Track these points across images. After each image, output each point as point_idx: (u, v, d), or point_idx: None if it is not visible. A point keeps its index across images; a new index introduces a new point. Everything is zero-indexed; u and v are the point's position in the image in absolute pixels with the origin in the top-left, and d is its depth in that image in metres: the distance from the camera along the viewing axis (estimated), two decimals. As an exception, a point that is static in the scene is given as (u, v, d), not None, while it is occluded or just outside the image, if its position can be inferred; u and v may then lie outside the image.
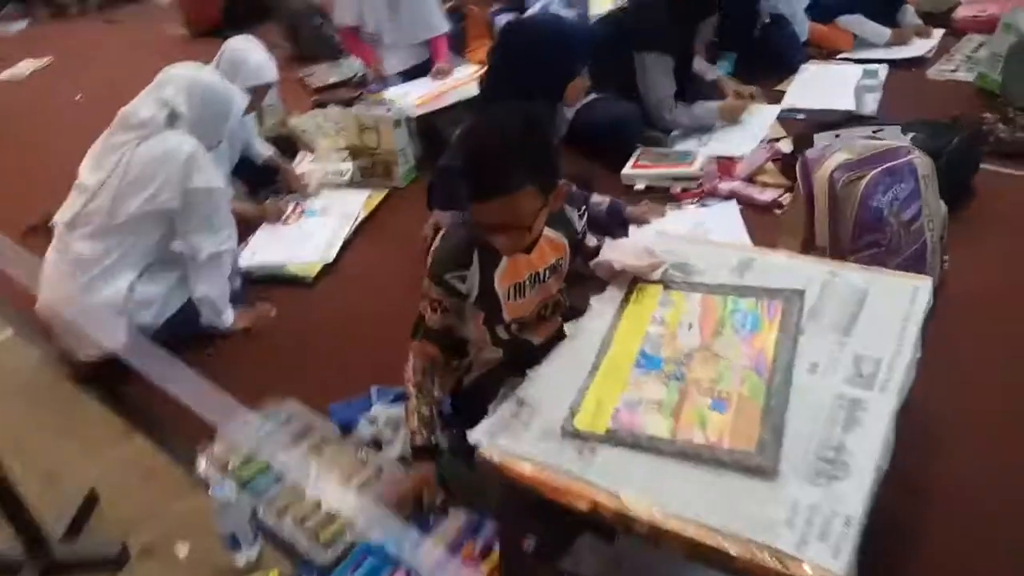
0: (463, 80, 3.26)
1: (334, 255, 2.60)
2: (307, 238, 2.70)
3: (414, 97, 3.16)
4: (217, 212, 2.12)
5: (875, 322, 1.32)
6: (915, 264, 1.83)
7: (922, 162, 1.81)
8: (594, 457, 1.14)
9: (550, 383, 1.30)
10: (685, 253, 1.57)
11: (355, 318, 2.29)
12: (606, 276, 1.56)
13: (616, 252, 1.52)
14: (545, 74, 2.10)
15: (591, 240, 1.69)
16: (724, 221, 2.38)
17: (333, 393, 1.91)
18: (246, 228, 2.64)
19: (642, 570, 1.37)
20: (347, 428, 1.78)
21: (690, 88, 3.03)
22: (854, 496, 1.02)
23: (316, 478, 1.63)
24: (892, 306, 1.36)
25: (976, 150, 2.35)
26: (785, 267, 1.50)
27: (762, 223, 2.39)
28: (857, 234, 1.78)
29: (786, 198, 2.53)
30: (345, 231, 2.72)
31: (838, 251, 1.82)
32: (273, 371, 2.09)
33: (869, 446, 1.09)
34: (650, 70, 2.82)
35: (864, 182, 1.75)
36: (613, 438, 1.16)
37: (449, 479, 1.60)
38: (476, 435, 1.22)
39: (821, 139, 2.32)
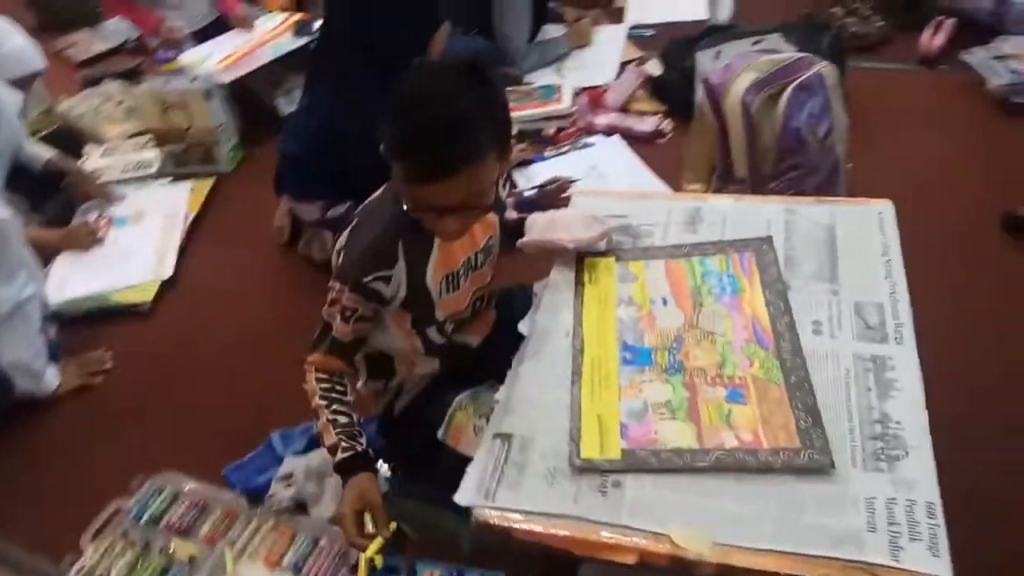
0: (273, 32, 2.83)
1: (171, 269, 2.17)
2: (128, 255, 2.24)
3: (217, 60, 2.69)
4: (6, 250, 1.65)
5: (857, 261, 1.22)
6: (830, 180, 1.80)
7: (829, 71, 1.74)
8: (621, 493, 0.95)
9: (530, 405, 1.08)
10: (623, 212, 1.39)
11: (217, 344, 1.93)
12: (540, 254, 1.34)
13: (557, 227, 1.31)
14: (408, 21, 1.78)
15: (510, 212, 1.46)
16: (617, 159, 2.24)
17: (219, 452, 1.57)
18: (46, 260, 2.13)
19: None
20: (255, 494, 1.46)
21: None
22: (923, 476, 0.91)
23: (235, 572, 1.31)
24: (866, 239, 1.26)
25: (843, 49, 2.35)
26: (737, 212, 1.37)
27: (653, 155, 2.28)
28: (780, 158, 1.69)
29: (667, 124, 2.44)
30: (176, 237, 2.29)
31: (758, 179, 1.74)
32: (127, 438, 1.69)
33: (913, 411, 0.99)
34: (509, 4, 2.58)
35: (782, 103, 1.66)
36: (634, 462, 0.98)
37: (402, 524, 1.35)
38: (465, 496, 0.98)
39: (704, 57, 2.20)
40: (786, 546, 0.86)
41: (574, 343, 1.16)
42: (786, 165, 1.70)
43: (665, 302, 1.20)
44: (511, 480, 0.98)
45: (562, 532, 0.92)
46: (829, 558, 0.84)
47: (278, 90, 2.87)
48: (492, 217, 1.33)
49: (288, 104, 2.81)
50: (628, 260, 1.30)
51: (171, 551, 1.41)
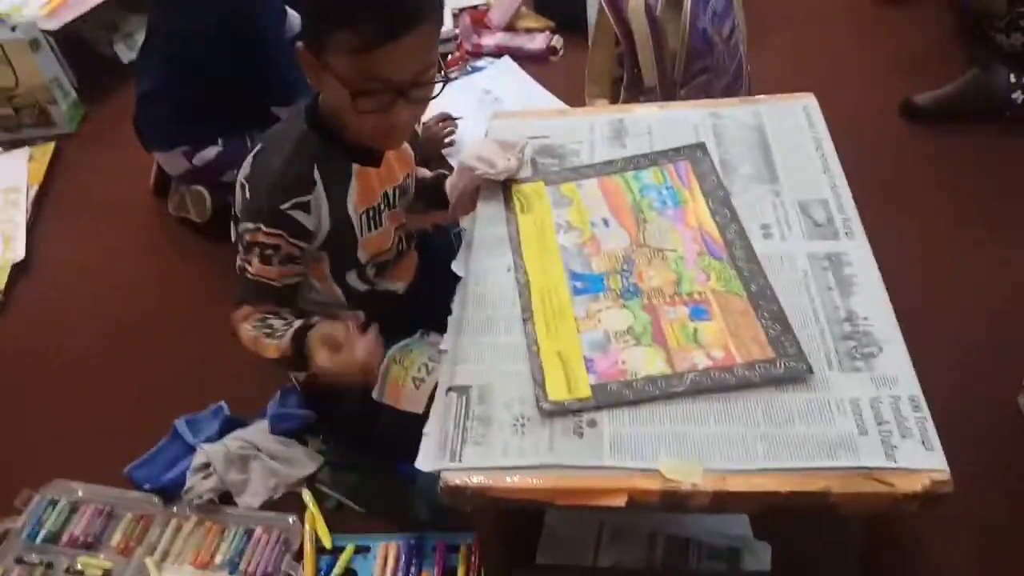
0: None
1: (22, 251, 1.89)
2: (-37, 240, 1.93)
3: (39, 5, 2.33)
4: None
5: (792, 159, 1.19)
6: (736, 80, 1.77)
7: (728, -33, 1.68)
8: (598, 432, 0.88)
9: (482, 351, 0.99)
10: (543, 132, 1.30)
11: (91, 331, 1.71)
12: (463, 192, 1.24)
13: (473, 162, 1.20)
14: None
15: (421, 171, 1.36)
16: (510, 82, 2.13)
17: (117, 450, 1.39)
18: None
19: (623, 532, 1.20)
20: (168, 490, 1.30)
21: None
22: (901, 370, 0.90)
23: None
24: (797, 135, 1.23)
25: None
26: (662, 121, 1.30)
27: (548, 74, 2.18)
28: (688, 62, 1.64)
29: (558, 41, 2.33)
30: (21, 214, 1.99)
31: (668, 86, 1.68)
32: (1, 450, 1.47)
33: (877, 305, 0.97)
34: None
35: (686, 3, 1.59)
36: (606, 398, 0.91)
37: (346, 500, 1.25)
38: (427, 460, 0.88)
39: (593, -36, 2.09)
40: (781, 462, 0.82)
41: (517, 278, 1.07)
42: (695, 68, 1.65)
43: (607, 223, 1.13)
44: (476, 435, 0.89)
45: (542, 483, 0.85)
46: (827, 468, 0.81)
47: (116, 35, 2.54)
48: (408, 151, 1.21)
49: (129, 50, 2.50)
50: (558, 183, 1.21)
51: (79, 569, 1.24)
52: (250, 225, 1.04)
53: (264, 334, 1.05)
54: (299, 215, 1.05)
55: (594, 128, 1.31)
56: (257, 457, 1.26)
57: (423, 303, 1.21)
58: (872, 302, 0.97)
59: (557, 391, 0.92)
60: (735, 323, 0.96)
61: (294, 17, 1.87)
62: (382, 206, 1.18)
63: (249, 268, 1.06)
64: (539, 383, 0.93)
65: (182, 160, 1.77)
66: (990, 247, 1.64)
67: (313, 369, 0.97)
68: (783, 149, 1.21)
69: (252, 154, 1.09)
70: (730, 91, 1.72)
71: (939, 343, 1.31)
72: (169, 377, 1.54)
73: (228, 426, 1.35)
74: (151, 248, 1.89)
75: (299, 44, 1.00)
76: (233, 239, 1.11)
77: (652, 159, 1.22)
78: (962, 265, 1.60)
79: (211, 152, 1.73)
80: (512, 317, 1.02)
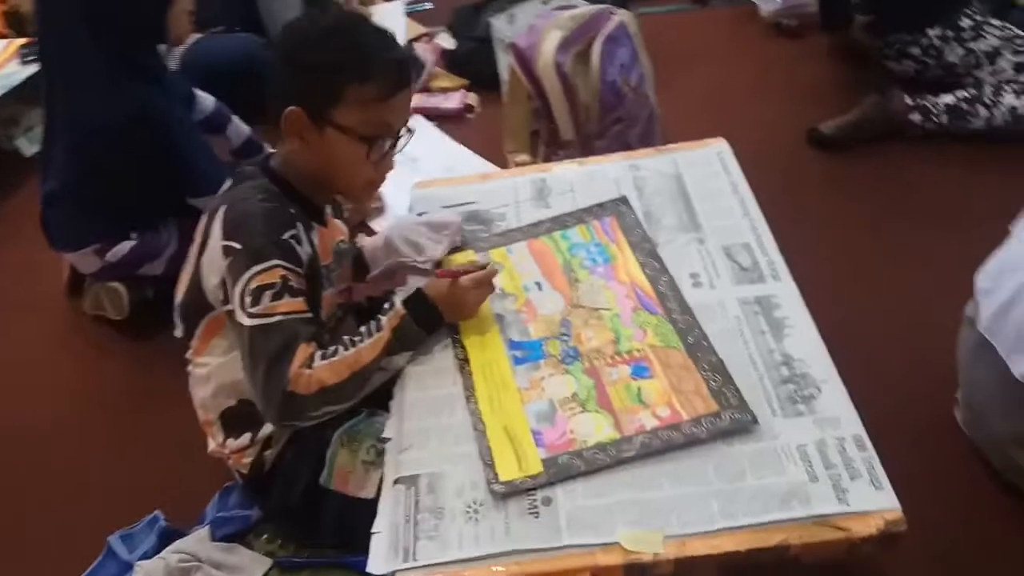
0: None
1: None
2: None
3: None
4: None
5: (713, 205, 1.22)
6: (649, 127, 1.81)
7: (629, 19, 1.74)
8: (554, 510, 0.86)
9: (427, 436, 0.96)
10: (468, 199, 1.31)
11: (4, 441, 1.59)
12: (385, 270, 1.23)
13: (400, 247, 1.21)
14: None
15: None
16: (429, 143, 2.12)
17: None
18: None
19: None
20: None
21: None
22: (842, 409, 0.91)
23: None
24: (713, 180, 1.26)
25: (625, -3, 2.39)
26: (583, 177, 1.32)
27: (465, 133, 2.19)
28: (602, 115, 1.67)
29: (472, 98, 2.35)
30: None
31: (585, 140, 1.72)
32: None
33: (811, 345, 0.99)
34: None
35: (594, 57, 1.63)
36: (559, 471, 0.89)
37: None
38: (379, 562, 0.84)
39: (499, 23, 2.13)
40: (737, 519, 0.82)
41: (456, 354, 1.05)
42: (609, 120, 1.68)
43: (540, 286, 1.13)
44: (428, 529, 0.86)
45: (503, 572, 0.82)
46: (783, 520, 0.81)
47: (16, 129, 2.44)
48: (341, 223, 1.23)
49: (31, 143, 2.41)
50: (488, 249, 1.21)
51: None
52: (261, 267, 0.99)
53: (349, 346, 1.00)
54: (294, 244, 1.03)
55: (517, 190, 1.31)
56: (199, 569, 1.19)
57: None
58: (805, 342, 0.99)
59: (508, 471, 0.89)
60: (677, 378, 0.97)
61: (204, 100, 1.84)
62: (333, 265, 1.16)
63: (279, 310, 0.98)
64: (488, 464, 0.90)
65: (94, 258, 1.69)
66: (903, 265, 1.70)
67: (461, 317, 1.07)
68: (702, 196, 1.23)
69: (221, 216, 1.04)
70: (644, 138, 1.76)
71: (870, 370, 1.34)
72: (97, 489, 1.44)
73: (166, 537, 1.27)
74: (67, 349, 1.80)
75: (290, 108, 1.02)
76: (221, 306, 1.06)
77: (578, 217, 1.23)
78: (881, 287, 1.65)
79: (125, 247, 1.67)
80: (455, 396, 1.00)
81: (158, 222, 1.65)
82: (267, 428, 1.17)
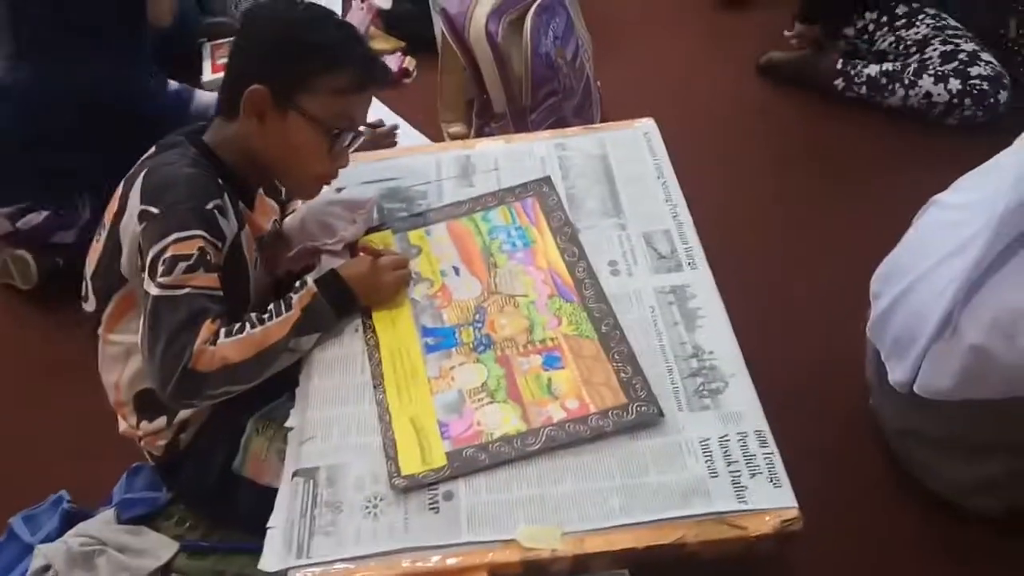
0: None
1: None
2: None
3: None
4: None
5: (636, 189, 1.20)
6: (586, 101, 1.79)
7: (565, -11, 1.68)
8: (455, 505, 0.85)
9: (330, 426, 0.94)
10: (389, 175, 1.27)
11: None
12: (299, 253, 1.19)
13: (313, 229, 1.17)
14: None
15: None
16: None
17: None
18: None
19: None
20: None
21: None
22: (747, 404, 0.91)
23: None
24: (639, 163, 1.24)
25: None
26: (508, 155, 1.29)
27: (402, 100, 2.11)
28: (535, 87, 1.64)
29: (410, 62, 2.28)
30: None
31: (518, 112, 1.68)
32: None
33: (721, 337, 0.98)
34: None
35: (526, 28, 1.59)
36: (463, 465, 0.88)
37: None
38: (272, 559, 0.82)
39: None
40: (636, 516, 0.82)
41: (366, 340, 1.02)
42: (543, 93, 1.65)
43: (457, 271, 1.10)
44: (325, 524, 0.84)
45: (397, 571, 0.80)
46: (682, 517, 0.81)
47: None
48: (273, 203, 1.21)
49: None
50: (406, 230, 1.18)
51: None
52: (180, 235, 0.94)
53: (256, 323, 0.96)
54: (219, 217, 0.99)
55: (441, 167, 1.28)
56: (103, 553, 1.15)
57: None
58: (717, 335, 0.98)
59: (411, 464, 0.88)
60: (587, 369, 0.95)
61: (202, 96, 1.77)
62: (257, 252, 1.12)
63: (191, 283, 0.95)
64: (391, 457, 0.88)
65: (4, 222, 1.62)
66: (819, 232, 1.70)
67: (377, 300, 1.05)
68: (627, 179, 1.21)
69: (141, 180, 0.99)
70: (580, 112, 1.73)
71: (786, 359, 1.36)
72: (-1, 467, 1.39)
73: (70, 519, 1.23)
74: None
75: (255, 86, 0.99)
76: (120, 281, 1.02)
77: (500, 197, 1.20)
78: (804, 270, 1.66)
79: (39, 217, 1.61)
80: (362, 384, 0.97)
81: (76, 195, 1.60)
82: (184, 411, 1.12)
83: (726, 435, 0.88)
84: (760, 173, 1.90)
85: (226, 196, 1.02)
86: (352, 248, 1.13)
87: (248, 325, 0.97)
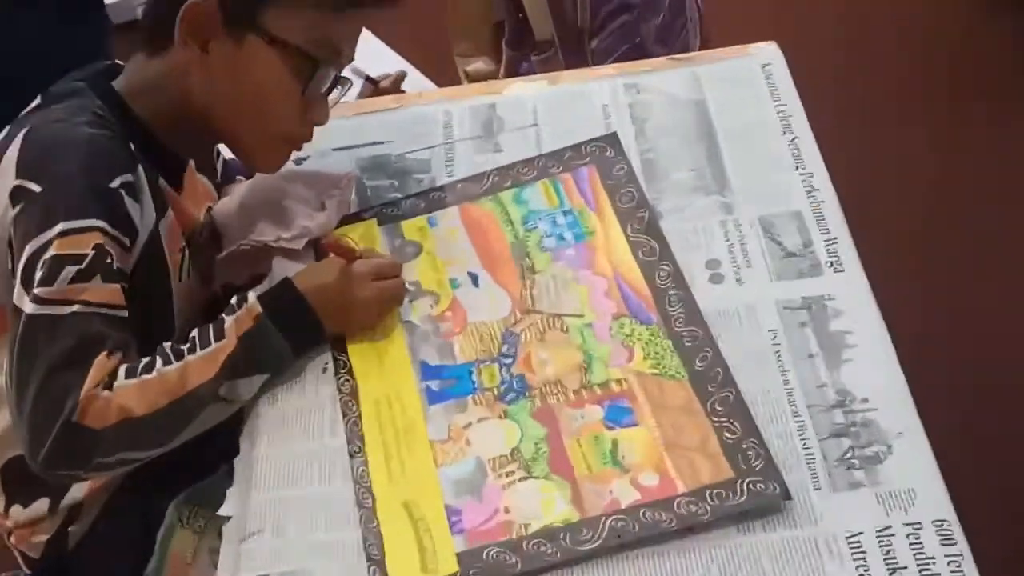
0: None
1: None
2: None
3: None
4: None
5: (749, 150, 1.21)
6: (676, 20, 1.83)
7: None
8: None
9: (286, 515, 0.97)
10: (376, 136, 1.32)
11: None
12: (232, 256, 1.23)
13: (259, 215, 1.20)
14: None
15: None
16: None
17: None
18: None
19: None
20: None
21: None
22: (921, 478, 0.90)
23: None
24: (753, 110, 1.26)
25: None
26: (553, 101, 1.33)
27: (394, 27, 2.16)
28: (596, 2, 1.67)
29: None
30: None
31: (571, 38, 1.72)
32: None
33: (882, 374, 0.99)
34: None
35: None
36: (482, 572, 0.89)
37: None
38: None
39: None
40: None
41: (339, 385, 1.06)
42: (609, 8, 1.68)
43: (475, 279, 1.14)
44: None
45: None
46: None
47: None
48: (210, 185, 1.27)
49: None
50: (398, 220, 1.22)
51: None
52: (69, 225, 0.96)
53: (171, 359, 0.99)
54: (127, 199, 1.01)
55: (451, 123, 1.31)
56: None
57: (227, 423, 1.17)
58: (875, 372, 0.99)
59: (405, 571, 0.90)
60: (673, 426, 0.97)
61: None
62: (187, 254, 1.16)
63: (81, 298, 0.97)
64: (376, 560, 0.91)
65: None
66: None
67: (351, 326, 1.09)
68: (735, 135, 1.23)
69: (19, 144, 1.02)
70: (667, 36, 1.76)
71: (968, 403, 1.34)
72: None
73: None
74: None
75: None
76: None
77: (540, 167, 1.23)
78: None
79: None
80: (332, 452, 1.01)
81: None
82: (76, 491, 1.17)
83: (888, 528, 0.87)
84: (939, 133, 1.89)
85: (141, 170, 1.05)
86: (318, 247, 1.16)
87: (160, 361, 0.99)
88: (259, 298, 1.04)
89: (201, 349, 1.00)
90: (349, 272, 1.07)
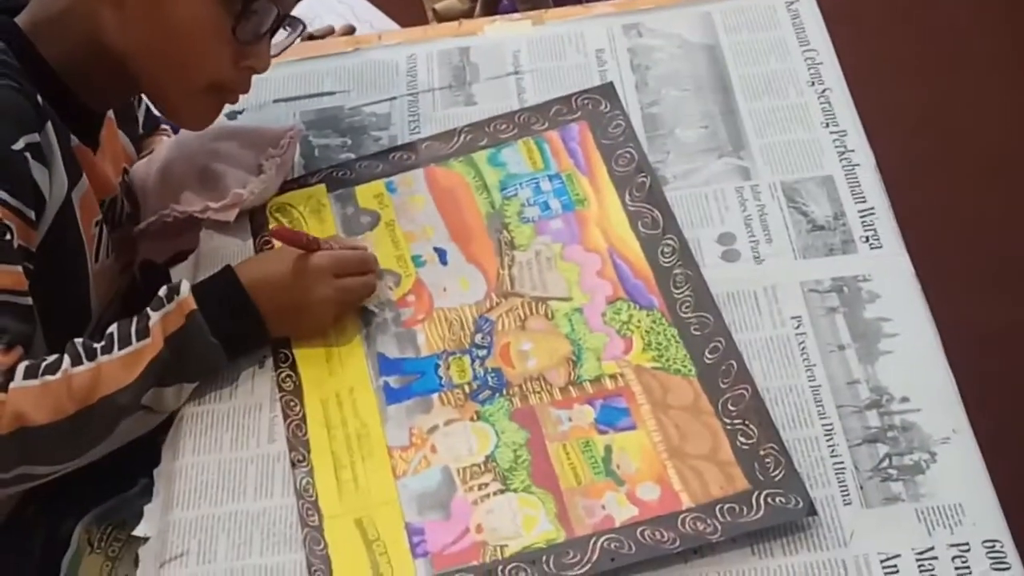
0: None
1: None
2: None
3: None
4: None
5: (771, 104, 1.23)
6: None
7: None
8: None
9: (215, 535, 0.98)
10: (326, 87, 1.33)
11: None
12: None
13: (185, 180, 1.22)
14: None
15: None
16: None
17: None
18: None
19: None
20: None
21: None
22: (969, 490, 0.91)
23: None
24: (777, 58, 1.27)
25: None
26: (538, 46, 1.34)
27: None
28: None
29: None
30: None
31: None
32: None
33: (923, 368, 1.00)
34: None
35: None
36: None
37: None
38: None
39: None
40: None
41: (280, 380, 1.07)
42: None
43: (443, 256, 1.15)
44: None
45: None
46: None
47: None
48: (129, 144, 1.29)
49: None
50: (353, 185, 1.23)
51: None
52: None
53: (81, 358, 1.00)
54: (33, 163, 1.01)
55: (416, 70, 1.32)
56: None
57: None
58: (917, 367, 1.00)
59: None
60: (678, 428, 0.98)
61: None
62: (104, 224, 1.17)
63: None
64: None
65: None
66: None
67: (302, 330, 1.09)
68: (754, 86, 1.24)
69: None
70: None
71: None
72: None
73: None
74: None
75: None
76: None
77: (521, 123, 1.24)
78: None
79: None
80: (271, 459, 1.02)
81: None
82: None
83: (931, 549, 0.88)
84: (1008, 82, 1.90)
85: (50, 127, 1.06)
86: (256, 224, 1.18)
87: (68, 360, 0.99)
88: (195, 288, 1.04)
89: (119, 349, 1.01)
90: (306, 265, 1.06)
